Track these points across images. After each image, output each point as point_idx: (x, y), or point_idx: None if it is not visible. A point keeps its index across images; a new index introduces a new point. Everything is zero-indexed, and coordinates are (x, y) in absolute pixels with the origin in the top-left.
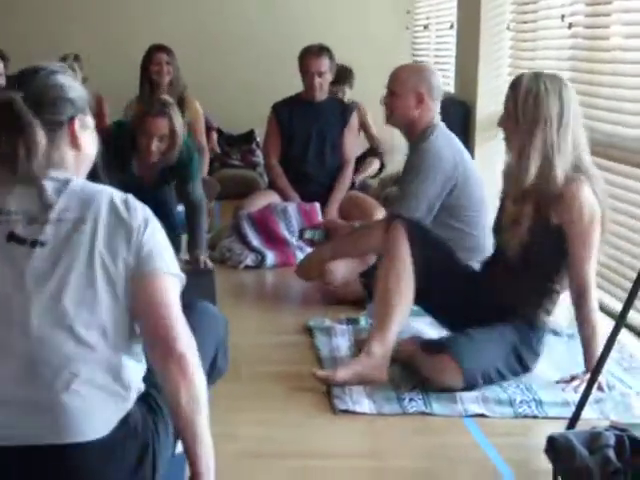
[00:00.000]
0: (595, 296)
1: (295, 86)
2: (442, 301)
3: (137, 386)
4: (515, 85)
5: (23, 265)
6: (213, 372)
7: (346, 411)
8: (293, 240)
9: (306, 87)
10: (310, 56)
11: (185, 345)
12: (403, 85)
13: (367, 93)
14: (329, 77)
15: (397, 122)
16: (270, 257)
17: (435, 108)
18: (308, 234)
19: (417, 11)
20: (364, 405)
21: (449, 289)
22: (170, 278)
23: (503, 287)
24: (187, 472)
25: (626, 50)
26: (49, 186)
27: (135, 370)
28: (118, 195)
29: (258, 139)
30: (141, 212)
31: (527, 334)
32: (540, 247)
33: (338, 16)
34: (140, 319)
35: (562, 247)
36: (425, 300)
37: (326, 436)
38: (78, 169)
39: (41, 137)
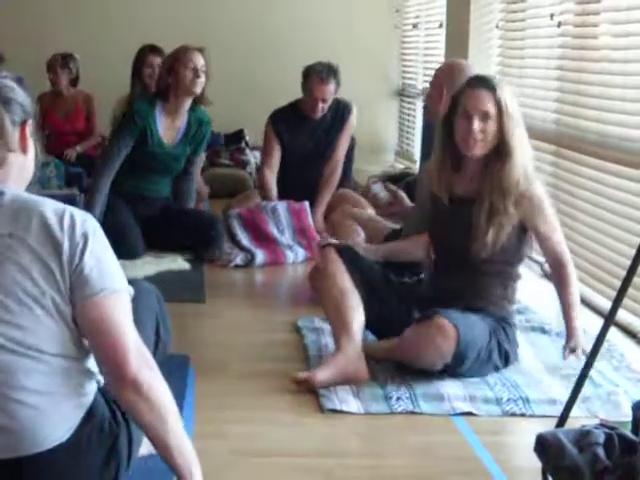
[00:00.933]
0: (573, 268)
1: (285, 85)
2: (389, 321)
3: (95, 377)
4: (492, 86)
5: None
6: (159, 345)
7: (334, 410)
8: (282, 239)
9: (307, 107)
10: (317, 81)
11: (136, 367)
12: (434, 79)
13: (357, 92)
14: (331, 98)
15: (430, 111)
16: (260, 256)
17: None
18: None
19: (406, 10)
20: (351, 404)
21: (395, 308)
22: (116, 297)
23: (462, 290)
24: None
25: (615, 49)
26: None
27: (90, 362)
28: (54, 210)
29: (247, 138)
30: (79, 228)
31: (499, 326)
32: (507, 243)
33: (327, 14)
34: (88, 341)
35: (521, 240)
36: (370, 322)
37: (316, 435)
38: (19, 176)
39: (9, 125)
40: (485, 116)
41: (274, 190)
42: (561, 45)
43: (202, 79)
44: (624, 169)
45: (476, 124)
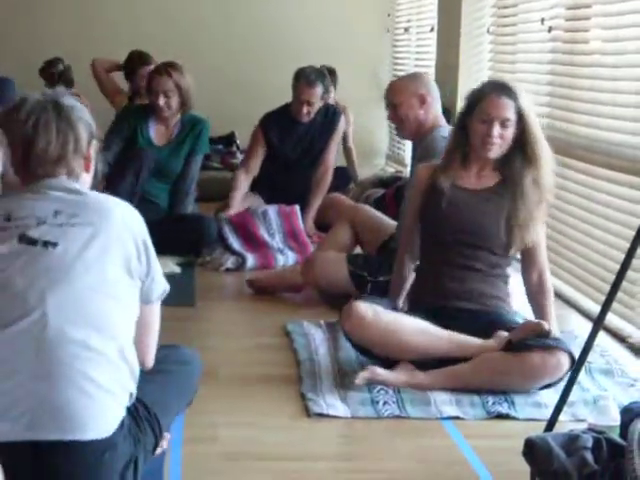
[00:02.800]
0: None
1: (277, 88)
2: None
3: (130, 390)
4: (513, 94)
5: (37, 263)
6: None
7: (321, 414)
8: (273, 243)
9: (294, 110)
10: (303, 84)
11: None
12: (402, 93)
13: (348, 95)
14: (318, 104)
15: (408, 131)
16: (250, 260)
17: (438, 108)
18: None
19: (398, 14)
20: (338, 409)
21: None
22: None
23: (475, 290)
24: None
25: (605, 54)
26: (59, 194)
27: (132, 375)
28: (128, 211)
29: (238, 141)
30: (141, 234)
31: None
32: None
33: (319, 18)
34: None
35: None
36: None
37: (306, 438)
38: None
39: (84, 133)
40: (505, 122)
41: (239, 194)
42: (552, 50)
43: (172, 99)
44: (614, 174)
45: (496, 130)
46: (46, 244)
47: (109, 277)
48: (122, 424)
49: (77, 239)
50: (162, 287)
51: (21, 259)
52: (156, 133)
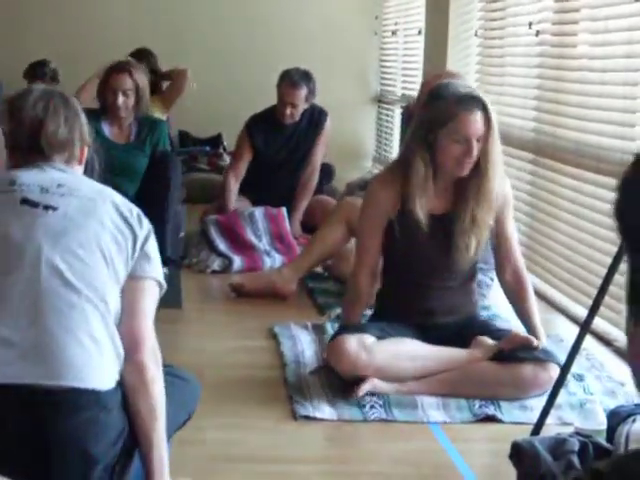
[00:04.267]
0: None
1: (264, 90)
2: None
3: (122, 361)
4: (484, 105)
5: (37, 222)
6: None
7: (307, 417)
8: (260, 245)
9: (278, 111)
10: (287, 86)
11: (147, 354)
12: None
13: (335, 97)
14: (303, 106)
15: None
16: (237, 262)
17: None
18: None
19: (385, 17)
20: (325, 411)
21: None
22: (153, 284)
23: (454, 304)
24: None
25: (593, 58)
26: (61, 172)
27: (117, 355)
28: (124, 201)
29: (225, 143)
30: (145, 221)
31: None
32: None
33: (306, 20)
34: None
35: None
36: None
37: (292, 441)
38: None
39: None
40: (480, 139)
41: (233, 198)
42: (539, 54)
43: (130, 99)
44: (602, 178)
45: (475, 149)
46: (47, 207)
47: (102, 240)
48: (117, 388)
49: (77, 207)
50: (155, 269)
51: (21, 217)
52: (111, 134)
